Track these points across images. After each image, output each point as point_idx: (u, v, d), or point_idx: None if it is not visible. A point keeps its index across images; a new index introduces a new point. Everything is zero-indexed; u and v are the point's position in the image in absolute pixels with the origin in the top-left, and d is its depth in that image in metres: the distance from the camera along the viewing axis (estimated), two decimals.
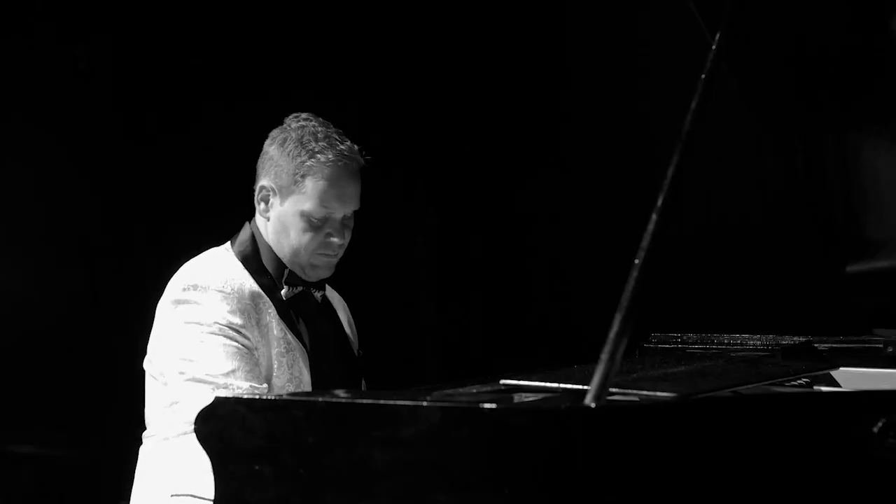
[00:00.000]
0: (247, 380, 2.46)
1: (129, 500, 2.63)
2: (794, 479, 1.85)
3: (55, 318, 3.95)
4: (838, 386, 2.68)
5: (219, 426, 1.97)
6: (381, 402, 1.83)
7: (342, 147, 2.64)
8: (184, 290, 2.55)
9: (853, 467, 1.86)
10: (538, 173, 4.93)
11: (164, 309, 2.57)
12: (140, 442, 2.65)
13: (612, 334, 1.83)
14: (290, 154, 2.62)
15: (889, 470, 1.84)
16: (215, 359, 2.47)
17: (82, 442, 3.93)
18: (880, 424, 1.84)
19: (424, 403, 1.80)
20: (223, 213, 2.81)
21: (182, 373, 2.50)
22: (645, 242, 1.93)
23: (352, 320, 2.94)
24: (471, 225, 4.98)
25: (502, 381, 2.24)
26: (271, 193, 2.66)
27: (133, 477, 2.65)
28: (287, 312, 2.64)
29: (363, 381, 2.86)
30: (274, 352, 2.56)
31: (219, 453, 1.98)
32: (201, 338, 2.49)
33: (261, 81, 4.37)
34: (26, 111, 3.92)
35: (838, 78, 2.68)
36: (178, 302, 2.54)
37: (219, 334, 2.49)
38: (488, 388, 2.24)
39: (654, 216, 1.96)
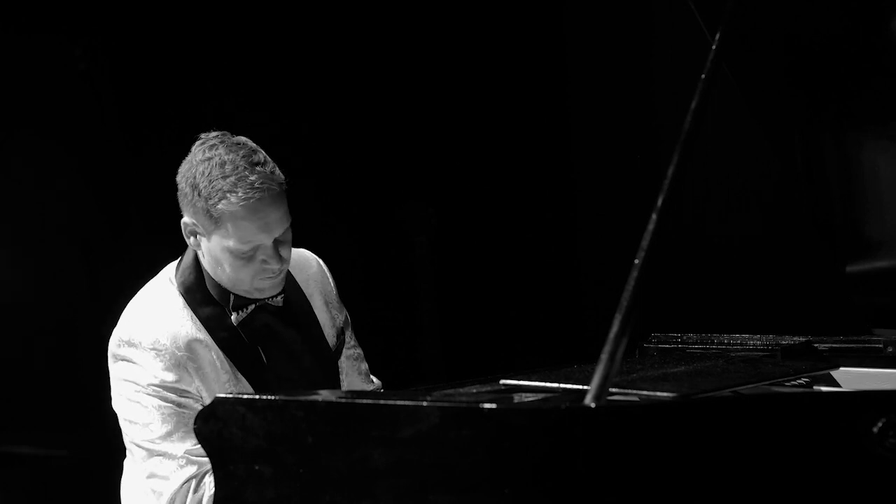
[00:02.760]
0: (183, 440, 2.38)
1: None
2: (795, 479, 1.85)
3: (55, 318, 3.95)
4: (838, 386, 2.68)
5: (219, 426, 1.97)
6: (381, 402, 1.83)
7: (252, 178, 2.39)
8: (118, 346, 2.48)
9: (853, 467, 1.86)
10: (538, 173, 4.94)
11: (109, 361, 2.52)
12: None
13: (612, 334, 1.83)
14: (202, 195, 2.40)
15: (889, 470, 1.84)
16: (151, 423, 2.42)
17: (82, 442, 3.93)
18: (880, 424, 1.84)
19: (424, 403, 1.80)
20: None
21: (126, 434, 2.48)
22: (645, 242, 1.93)
23: (330, 289, 2.76)
24: (471, 225, 4.98)
25: (502, 381, 2.24)
26: (197, 229, 2.47)
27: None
28: (235, 342, 2.51)
29: (351, 355, 2.76)
30: (221, 390, 2.45)
31: (219, 453, 1.98)
32: (137, 398, 2.43)
33: (261, 82, 4.37)
34: (26, 111, 3.92)
35: (838, 78, 2.68)
36: (115, 357, 2.49)
37: (153, 395, 2.42)
38: (488, 388, 2.24)
39: (654, 216, 1.96)
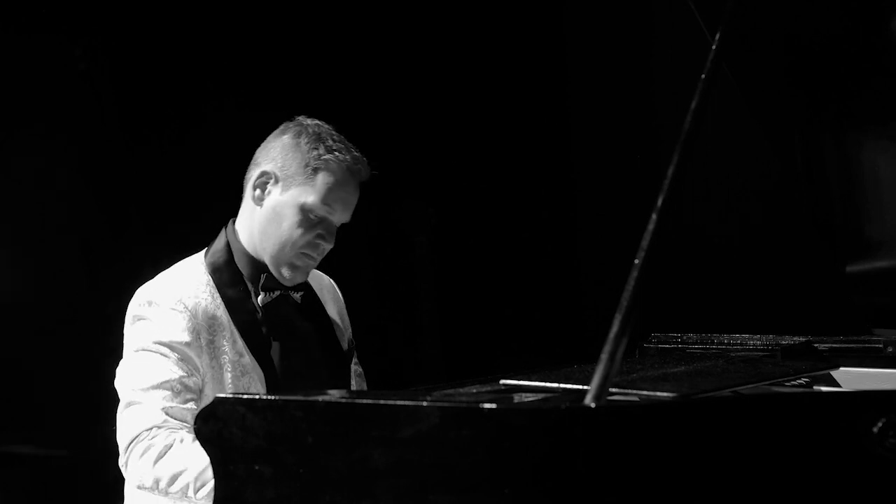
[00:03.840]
0: (165, 400, 2.41)
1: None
2: (795, 479, 1.85)
3: (55, 318, 3.95)
4: (838, 386, 2.68)
5: (218, 426, 1.97)
6: (381, 402, 1.83)
7: (356, 154, 2.62)
8: (139, 305, 2.53)
9: (853, 467, 1.86)
10: (539, 173, 4.94)
11: (126, 324, 2.57)
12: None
13: (612, 334, 1.82)
14: (306, 145, 2.57)
15: (889, 470, 1.84)
16: (141, 372, 2.45)
17: (82, 442, 3.93)
18: (880, 424, 1.84)
19: (424, 403, 1.80)
20: (223, 213, 2.81)
21: (120, 387, 2.51)
22: (645, 242, 1.93)
23: (342, 306, 2.86)
24: (471, 225, 4.98)
25: (502, 381, 2.24)
26: (271, 181, 2.58)
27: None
28: (253, 328, 2.57)
29: (357, 370, 2.82)
30: (228, 376, 2.51)
31: (219, 453, 1.98)
32: (139, 353, 2.48)
33: (260, 82, 4.37)
34: (26, 111, 3.92)
35: (838, 78, 2.68)
36: (134, 318, 2.53)
37: (155, 351, 2.46)
38: (488, 388, 2.24)
39: (654, 216, 1.96)
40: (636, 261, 1.90)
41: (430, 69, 4.83)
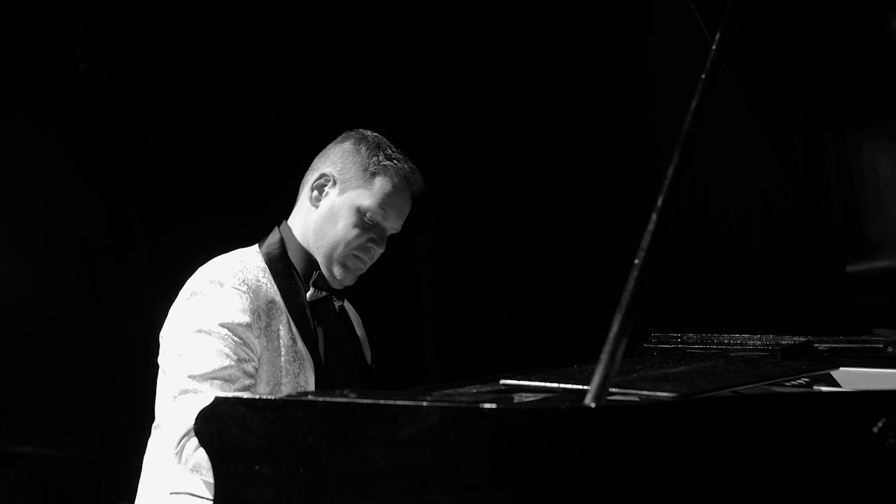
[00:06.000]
0: (222, 388, 2.43)
1: (135, 493, 2.64)
2: (795, 479, 1.86)
3: (55, 318, 3.95)
4: (838, 386, 2.69)
5: (218, 426, 1.97)
6: (381, 402, 1.83)
7: (413, 167, 2.76)
8: (201, 282, 2.56)
9: (853, 467, 1.86)
10: (538, 173, 4.94)
11: (180, 300, 2.58)
12: (149, 433, 2.65)
13: (612, 334, 1.83)
14: (367, 150, 2.70)
15: (889, 470, 1.84)
16: (198, 359, 2.46)
17: (82, 442, 3.93)
18: (880, 424, 1.84)
19: (424, 403, 1.80)
20: (223, 212, 2.82)
21: (170, 366, 2.51)
22: (645, 242, 1.93)
23: (365, 336, 2.95)
24: (471, 225, 4.98)
25: (502, 381, 2.25)
26: (329, 183, 2.69)
27: (139, 470, 2.66)
28: (304, 318, 2.64)
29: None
30: (282, 360, 2.56)
31: (219, 453, 1.98)
32: (197, 336, 2.49)
33: (260, 82, 4.37)
34: (26, 111, 3.92)
35: (838, 78, 2.68)
36: (193, 293, 2.55)
37: (214, 335, 2.48)
38: (488, 388, 2.24)
39: (654, 216, 1.96)
40: (636, 261, 1.91)
41: (430, 69, 4.82)
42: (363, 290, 3.07)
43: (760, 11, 2.53)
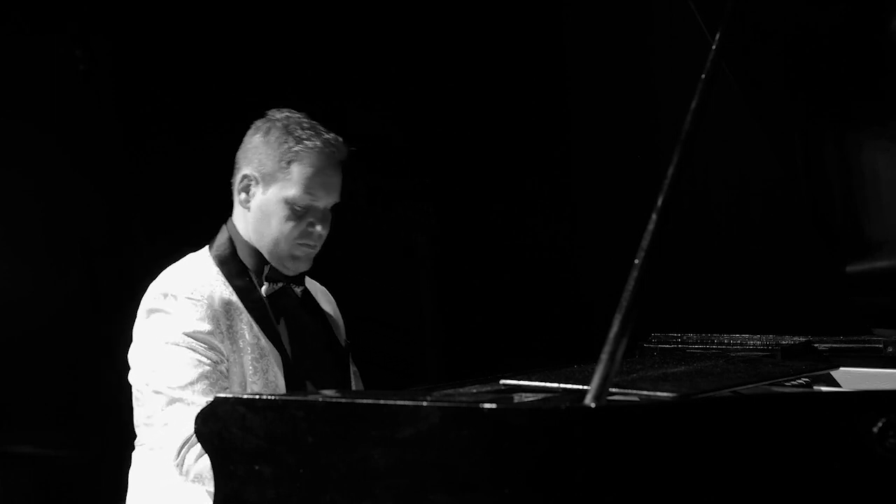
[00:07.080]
0: (204, 393, 2.43)
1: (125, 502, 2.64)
2: (794, 479, 1.86)
3: (55, 318, 3.95)
4: (838, 386, 2.68)
5: (218, 426, 1.97)
6: (381, 402, 1.83)
7: (328, 136, 2.65)
8: (155, 298, 2.54)
9: (853, 467, 1.86)
10: (539, 173, 4.94)
11: (140, 319, 2.58)
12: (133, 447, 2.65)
13: (612, 334, 1.83)
14: (277, 141, 2.62)
15: (889, 470, 1.84)
16: (176, 370, 2.46)
17: (82, 442, 3.93)
18: (880, 424, 1.84)
19: (424, 403, 1.80)
20: (223, 212, 2.81)
21: (147, 384, 2.51)
22: (645, 242, 1.93)
23: (337, 310, 2.91)
24: (471, 225, 4.98)
25: (502, 381, 2.25)
26: (253, 182, 2.64)
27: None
28: (264, 315, 2.62)
29: (352, 369, 2.85)
30: (248, 358, 2.55)
31: (218, 453, 1.98)
32: (166, 349, 2.48)
33: (260, 82, 4.37)
34: (26, 112, 3.92)
35: (838, 78, 2.68)
36: (150, 311, 2.54)
37: (182, 345, 2.47)
38: (488, 388, 2.24)
39: (654, 216, 1.96)
40: (636, 261, 1.91)
41: (430, 69, 4.82)
42: (363, 290, 3.07)
43: (760, 11, 2.52)
